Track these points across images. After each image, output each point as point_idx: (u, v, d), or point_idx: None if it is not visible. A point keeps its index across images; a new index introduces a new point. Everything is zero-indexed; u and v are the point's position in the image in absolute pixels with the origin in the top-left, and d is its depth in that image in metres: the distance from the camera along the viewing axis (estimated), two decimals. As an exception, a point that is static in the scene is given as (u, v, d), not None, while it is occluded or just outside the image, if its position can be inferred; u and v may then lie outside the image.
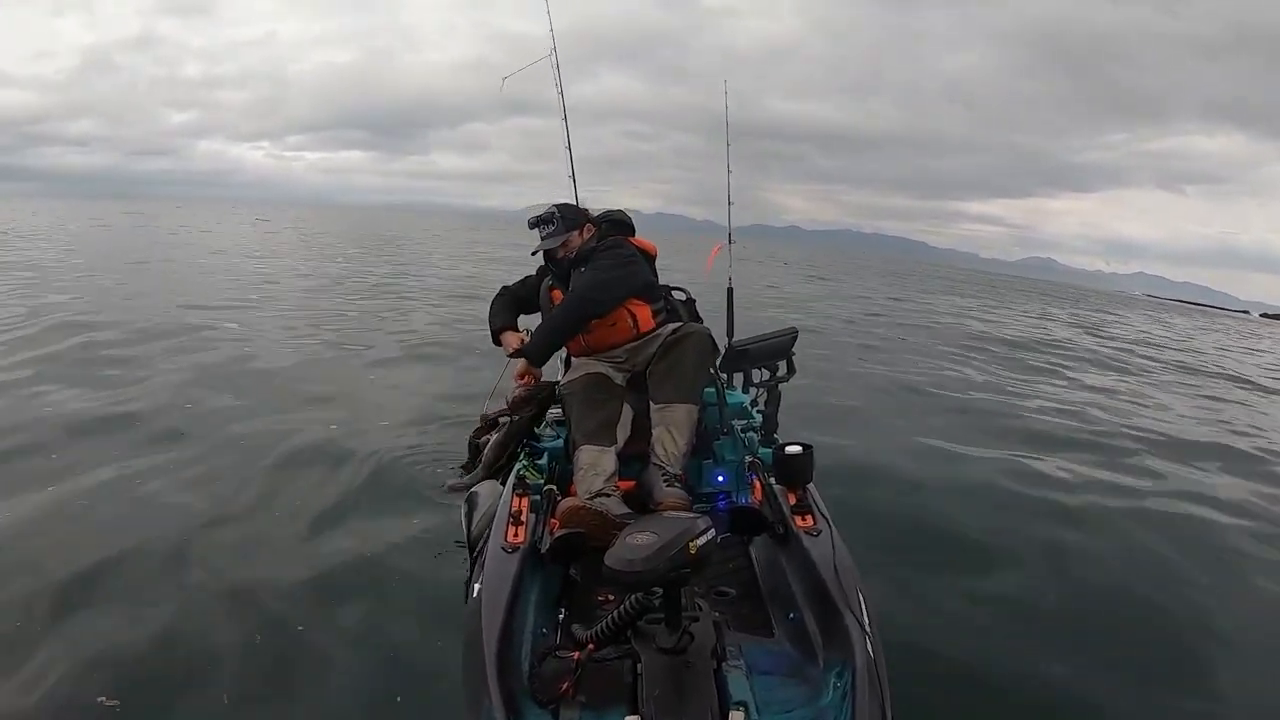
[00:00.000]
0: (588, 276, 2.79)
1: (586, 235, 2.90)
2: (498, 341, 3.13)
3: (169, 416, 4.53)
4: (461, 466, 3.14)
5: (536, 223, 2.90)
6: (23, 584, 2.53)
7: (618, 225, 2.97)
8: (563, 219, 2.86)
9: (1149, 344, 15.62)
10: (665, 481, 2.54)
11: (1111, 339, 15.52)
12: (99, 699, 1.98)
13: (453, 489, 3.04)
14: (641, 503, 2.60)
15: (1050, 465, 4.56)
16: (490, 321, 3.18)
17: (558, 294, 2.95)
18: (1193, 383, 9.84)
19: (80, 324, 7.14)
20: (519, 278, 3.32)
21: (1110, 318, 24.39)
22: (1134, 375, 9.58)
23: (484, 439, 2.98)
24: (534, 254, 3.01)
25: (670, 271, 3.14)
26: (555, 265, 2.95)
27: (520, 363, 2.90)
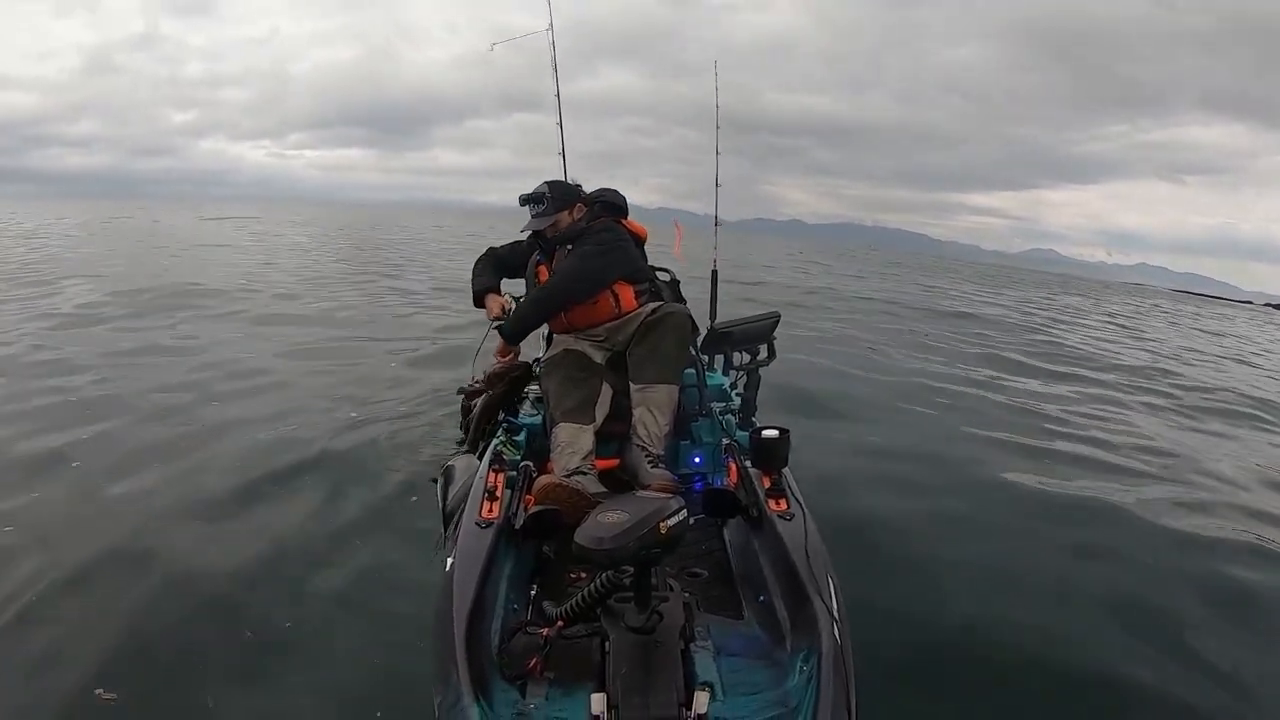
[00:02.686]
0: (571, 261, 2.76)
1: (577, 215, 2.85)
2: (480, 303, 3.09)
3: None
4: (460, 428, 3.14)
5: (527, 200, 2.84)
6: (16, 574, 2.49)
7: (609, 207, 2.93)
8: (553, 199, 2.81)
9: None
10: (650, 463, 2.55)
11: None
12: (96, 691, 1.95)
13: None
14: (618, 481, 2.61)
15: (1042, 463, 4.54)
16: (472, 282, 3.14)
17: (544, 270, 2.92)
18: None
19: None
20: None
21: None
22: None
23: (473, 403, 2.98)
24: (522, 231, 2.97)
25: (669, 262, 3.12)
26: (544, 242, 2.92)
27: (499, 339, 2.89)
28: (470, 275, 3.16)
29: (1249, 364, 12.15)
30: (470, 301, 3.14)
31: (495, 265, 3.16)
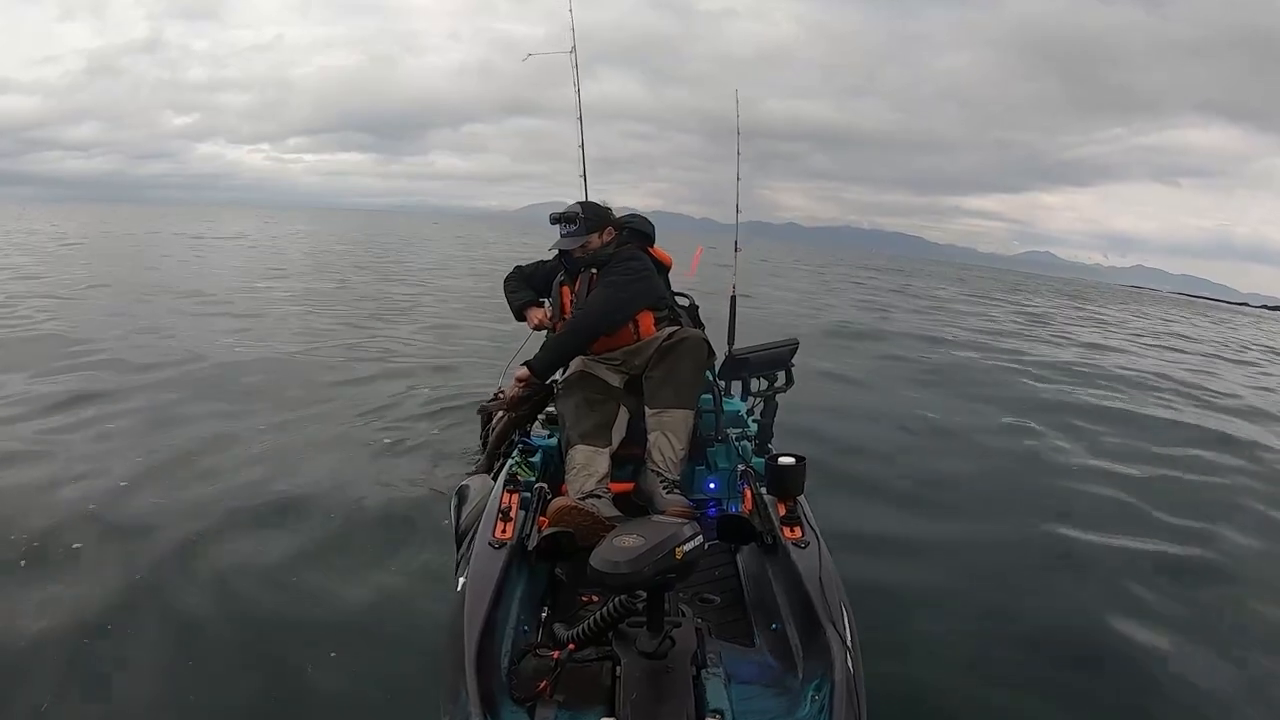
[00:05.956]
0: (599, 294, 2.77)
1: (606, 239, 2.87)
2: (521, 317, 3.14)
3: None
4: (481, 438, 3.15)
5: (558, 219, 2.87)
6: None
7: (637, 234, 2.96)
8: (585, 220, 2.83)
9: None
10: (665, 488, 2.54)
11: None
12: None
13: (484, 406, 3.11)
14: (633, 505, 2.60)
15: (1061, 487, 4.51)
16: (509, 299, 3.19)
17: (566, 291, 2.94)
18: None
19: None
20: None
21: None
22: None
23: (493, 406, 3.00)
24: (550, 250, 2.99)
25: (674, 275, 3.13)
26: (569, 262, 2.95)
27: (522, 369, 2.86)
28: (505, 294, 3.21)
29: None
30: (511, 317, 3.20)
31: (525, 282, 3.22)
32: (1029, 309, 21.37)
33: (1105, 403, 7.31)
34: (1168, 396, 8.08)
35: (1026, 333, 13.96)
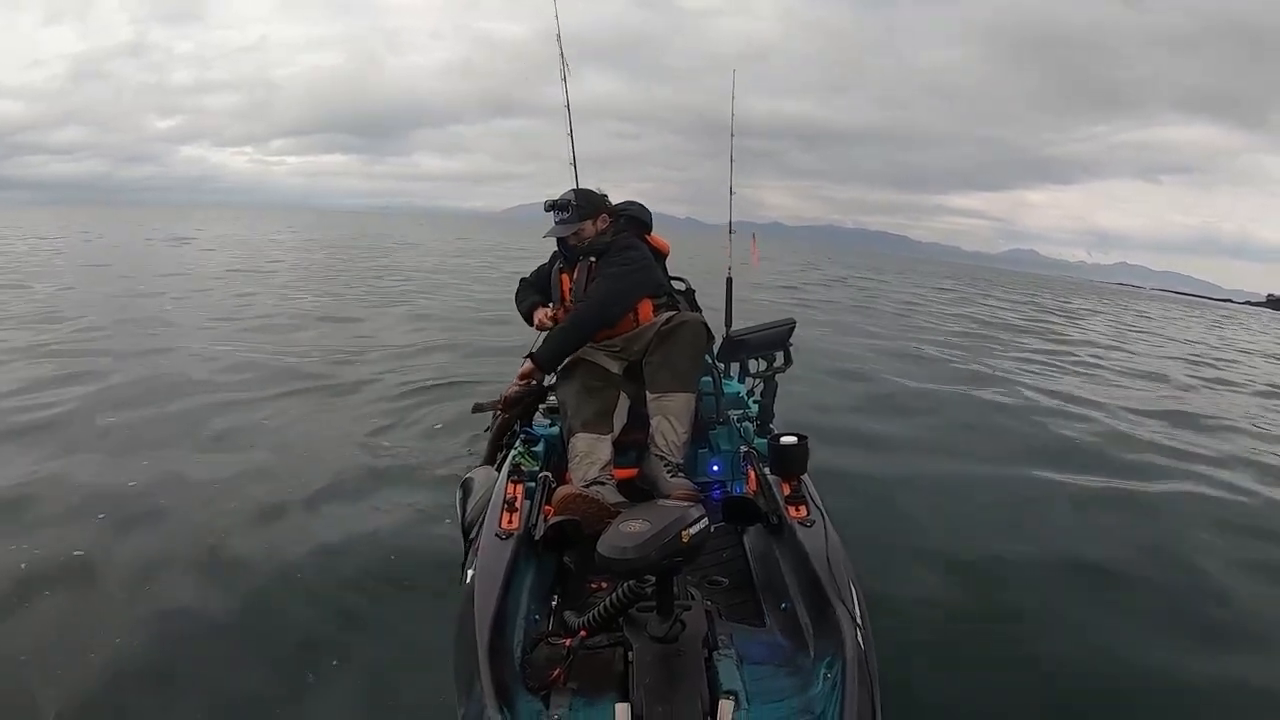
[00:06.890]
0: (599, 287, 2.77)
1: (601, 226, 2.87)
2: (530, 320, 3.13)
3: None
4: (487, 429, 3.16)
5: (552, 207, 2.87)
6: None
7: (634, 222, 2.95)
8: (578, 207, 2.83)
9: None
10: (669, 472, 2.54)
11: None
12: None
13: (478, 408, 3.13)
14: (637, 491, 2.61)
15: (1058, 467, 4.54)
16: (520, 308, 3.19)
17: (565, 279, 2.94)
18: None
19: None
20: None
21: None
22: None
23: (487, 406, 3.00)
24: (545, 237, 2.98)
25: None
26: (566, 250, 2.95)
27: (527, 363, 2.88)
28: (516, 305, 3.21)
29: None
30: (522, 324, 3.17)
31: (530, 290, 3.21)
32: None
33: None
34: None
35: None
